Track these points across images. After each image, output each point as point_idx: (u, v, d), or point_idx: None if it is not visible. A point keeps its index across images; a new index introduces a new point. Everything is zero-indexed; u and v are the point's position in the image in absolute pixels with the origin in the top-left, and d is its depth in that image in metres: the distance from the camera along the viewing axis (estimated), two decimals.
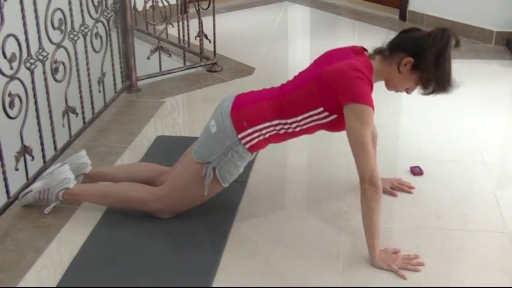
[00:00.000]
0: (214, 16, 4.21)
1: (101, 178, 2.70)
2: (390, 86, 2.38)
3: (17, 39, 2.44)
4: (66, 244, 2.37)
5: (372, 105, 2.21)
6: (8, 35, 2.39)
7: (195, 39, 4.28)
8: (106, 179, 2.69)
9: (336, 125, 2.34)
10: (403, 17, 5.42)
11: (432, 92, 2.31)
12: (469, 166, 2.94)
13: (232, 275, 2.19)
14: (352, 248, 2.30)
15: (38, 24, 2.69)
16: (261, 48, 4.77)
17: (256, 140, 2.33)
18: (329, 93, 2.25)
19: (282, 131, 2.36)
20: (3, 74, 2.39)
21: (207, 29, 4.22)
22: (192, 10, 4.46)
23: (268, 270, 2.22)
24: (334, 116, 2.30)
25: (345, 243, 2.34)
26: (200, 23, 4.17)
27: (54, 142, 2.87)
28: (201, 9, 4.17)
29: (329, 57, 2.36)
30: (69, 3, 3.00)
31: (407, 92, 2.39)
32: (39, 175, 2.64)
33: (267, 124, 2.33)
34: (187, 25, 4.30)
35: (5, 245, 2.36)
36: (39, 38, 2.69)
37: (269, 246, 2.36)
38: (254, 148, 2.36)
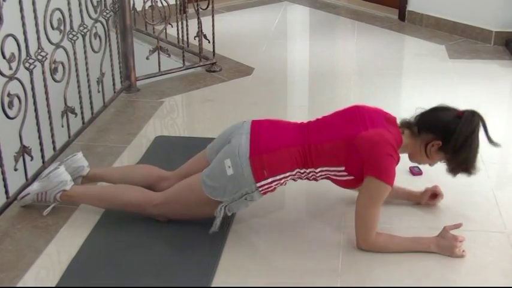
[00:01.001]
0: (213, 16, 4.21)
1: (99, 180, 2.70)
2: (414, 159, 2.44)
3: (16, 39, 2.43)
4: (65, 244, 2.37)
5: (391, 184, 2.25)
6: (7, 35, 2.38)
7: (194, 39, 4.27)
8: (104, 181, 2.69)
9: (349, 184, 2.35)
10: (402, 17, 5.42)
11: (456, 173, 2.37)
12: None
13: (231, 275, 2.19)
14: (352, 248, 2.30)
15: (37, 24, 2.69)
16: (260, 49, 4.77)
17: (272, 188, 2.31)
18: (356, 158, 2.25)
19: (296, 177, 2.36)
20: (2, 74, 2.39)
21: (206, 29, 4.22)
22: (191, 10, 4.46)
23: (268, 271, 2.22)
24: (351, 177, 2.30)
25: (345, 243, 2.33)
26: (199, 23, 4.17)
27: (53, 142, 2.87)
28: (200, 9, 4.16)
29: (362, 117, 2.34)
30: (68, 3, 2.99)
31: (430, 165, 2.44)
32: (38, 175, 2.64)
33: (288, 174, 2.31)
34: (187, 25, 4.29)
35: (4, 245, 2.36)
36: (38, 38, 2.68)
37: (268, 247, 2.35)
38: (269, 192, 2.33)
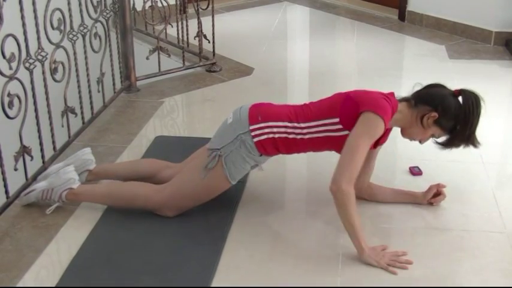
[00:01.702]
0: (213, 16, 4.21)
1: (105, 175, 2.72)
2: (406, 134, 2.44)
3: (16, 39, 2.44)
4: (66, 244, 2.37)
5: (385, 124, 2.26)
6: (7, 35, 2.39)
7: (194, 39, 4.27)
8: (109, 175, 2.72)
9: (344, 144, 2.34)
10: (402, 17, 5.42)
11: (451, 147, 2.39)
12: (468, 166, 2.94)
13: (231, 275, 2.19)
14: (352, 248, 2.29)
15: (37, 24, 2.69)
16: (260, 49, 4.77)
17: (264, 137, 2.36)
18: (350, 105, 2.30)
19: (291, 136, 2.37)
20: (3, 74, 2.39)
21: (206, 29, 4.22)
22: (191, 10, 4.47)
23: (268, 270, 2.22)
24: (345, 132, 2.31)
25: (344, 243, 2.33)
26: (199, 23, 4.17)
27: (53, 142, 2.87)
28: (200, 10, 4.17)
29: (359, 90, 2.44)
30: (68, 3, 3.00)
31: (420, 142, 2.45)
32: (38, 175, 2.64)
33: (280, 123, 2.37)
34: (187, 25, 4.29)
35: (4, 245, 2.36)
36: (39, 38, 2.69)
37: (268, 247, 2.36)
38: (261, 146, 2.36)
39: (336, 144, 2.36)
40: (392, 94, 2.40)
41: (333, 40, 5.17)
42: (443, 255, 2.29)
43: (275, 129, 2.36)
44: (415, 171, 2.86)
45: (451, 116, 2.33)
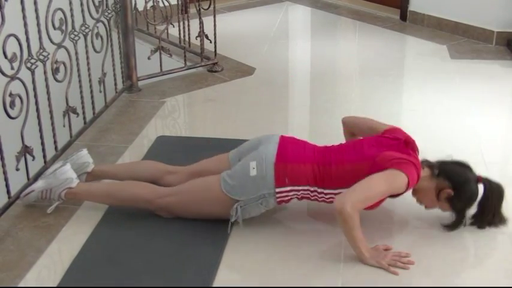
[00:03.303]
0: (215, 16, 4.21)
1: (104, 176, 2.71)
2: (416, 195, 2.43)
3: (18, 39, 2.44)
4: (67, 244, 2.38)
5: (410, 184, 2.23)
6: (9, 35, 2.39)
7: (196, 39, 4.27)
8: (109, 177, 2.70)
9: (369, 207, 2.31)
10: (403, 17, 5.41)
11: (453, 228, 2.39)
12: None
13: (233, 275, 2.19)
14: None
15: (38, 24, 2.69)
16: (261, 49, 4.77)
17: (289, 198, 2.35)
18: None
19: (314, 197, 2.37)
20: (4, 74, 2.39)
21: (208, 29, 4.22)
22: (192, 10, 4.46)
23: (269, 270, 2.22)
24: None
25: (346, 244, 2.33)
26: (201, 23, 4.17)
27: (55, 142, 2.87)
28: (201, 9, 4.16)
29: (386, 143, 2.37)
30: (70, 3, 3.00)
31: (426, 208, 2.44)
32: (40, 175, 2.64)
33: (306, 188, 2.33)
34: (188, 25, 4.29)
35: (5, 245, 2.36)
36: (40, 38, 2.69)
37: (270, 247, 2.35)
38: (283, 202, 2.36)
39: None
40: (417, 157, 2.39)
41: (335, 40, 5.16)
42: (445, 255, 2.28)
43: (300, 192, 2.34)
44: None
45: (465, 200, 2.34)
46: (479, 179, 2.37)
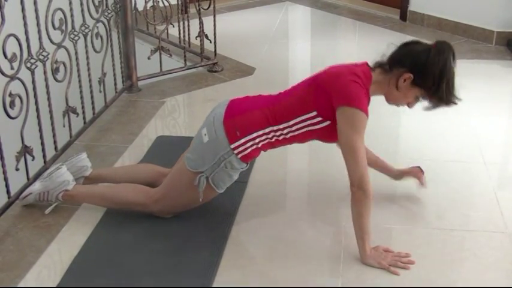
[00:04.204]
0: (214, 16, 4.21)
1: (102, 180, 2.70)
2: (390, 100, 2.37)
3: (18, 39, 2.44)
4: (67, 244, 2.37)
5: (365, 111, 2.20)
6: (9, 35, 2.39)
7: (196, 39, 4.28)
8: (106, 181, 2.69)
9: (328, 134, 2.30)
10: (403, 17, 5.42)
11: (434, 107, 2.30)
12: (470, 166, 2.94)
13: (232, 275, 2.19)
14: (353, 249, 2.29)
15: (38, 24, 2.69)
16: (261, 49, 4.77)
17: (249, 150, 2.31)
18: (323, 96, 2.24)
19: (273, 139, 2.33)
20: (4, 74, 2.39)
21: (208, 29, 4.22)
22: (192, 10, 4.46)
23: (269, 271, 2.22)
24: (327, 123, 2.27)
25: (346, 244, 2.33)
26: (201, 23, 4.17)
27: (55, 142, 2.87)
28: (201, 9, 4.17)
29: (328, 67, 2.36)
30: (70, 3, 3.00)
31: (408, 106, 2.36)
32: (40, 175, 2.64)
33: (260, 132, 2.30)
34: (188, 25, 4.29)
35: (5, 245, 2.36)
36: (40, 38, 2.69)
37: (269, 247, 2.35)
38: (247, 158, 2.33)
39: (320, 134, 2.33)
40: (364, 65, 2.33)
41: (335, 40, 5.17)
42: (445, 255, 2.28)
43: (257, 140, 2.30)
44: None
45: (428, 73, 2.20)
46: (433, 46, 2.22)
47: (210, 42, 4.26)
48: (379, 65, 2.34)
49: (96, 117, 3.36)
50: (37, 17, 2.69)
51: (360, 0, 6.05)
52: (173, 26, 4.32)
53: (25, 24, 2.56)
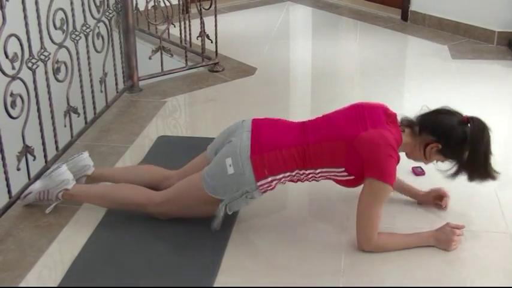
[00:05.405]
0: (216, 16, 4.21)
1: (103, 180, 2.70)
2: (411, 157, 2.43)
3: (19, 39, 2.44)
4: (68, 244, 2.38)
5: (392, 185, 2.24)
6: (10, 35, 2.39)
7: (197, 39, 4.27)
8: (108, 180, 2.69)
9: (350, 183, 2.34)
10: (405, 17, 5.42)
11: (470, 179, 2.37)
12: None
13: (233, 275, 2.19)
14: (354, 248, 2.30)
15: (39, 24, 2.69)
16: (262, 48, 4.77)
17: (273, 186, 2.32)
18: (356, 160, 2.25)
19: (296, 178, 2.35)
20: (5, 74, 2.39)
21: (209, 29, 4.22)
22: (193, 10, 4.46)
23: (270, 270, 2.22)
24: (352, 177, 2.30)
25: (347, 243, 2.33)
26: (202, 23, 4.17)
27: (56, 142, 2.88)
28: (202, 9, 4.16)
29: (361, 116, 2.32)
30: (71, 3, 3.00)
31: (425, 163, 2.45)
32: (41, 175, 2.64)
33: (287, 174, 2.31)
34: (189, 25, 4.29)
35: (6, 245, 2.36)
36: (41, 38, 2.69)
37: (270, 247, 2.36)
38: (268, 191, 2.34)
39: (339, 182, 2.37)
40: (394, 120, 2.36)
41: (336, 40, 5.16)
42: (445, 255, 2.28)
43: (283, 180, 2.32)
44: (417, 172, 2.85)
45: (456, 147, 2.29)
46: (465, 120, 2.28)
47: (211, 42, 4.26)
48: (408, 125, 2.38)
49: (97, 117, 3.36)
50: (38, 17, 2.69)
51: (361, 0, 6.05)
52: (174, 26, 4.32)
53: (26, 24, 2.56)
